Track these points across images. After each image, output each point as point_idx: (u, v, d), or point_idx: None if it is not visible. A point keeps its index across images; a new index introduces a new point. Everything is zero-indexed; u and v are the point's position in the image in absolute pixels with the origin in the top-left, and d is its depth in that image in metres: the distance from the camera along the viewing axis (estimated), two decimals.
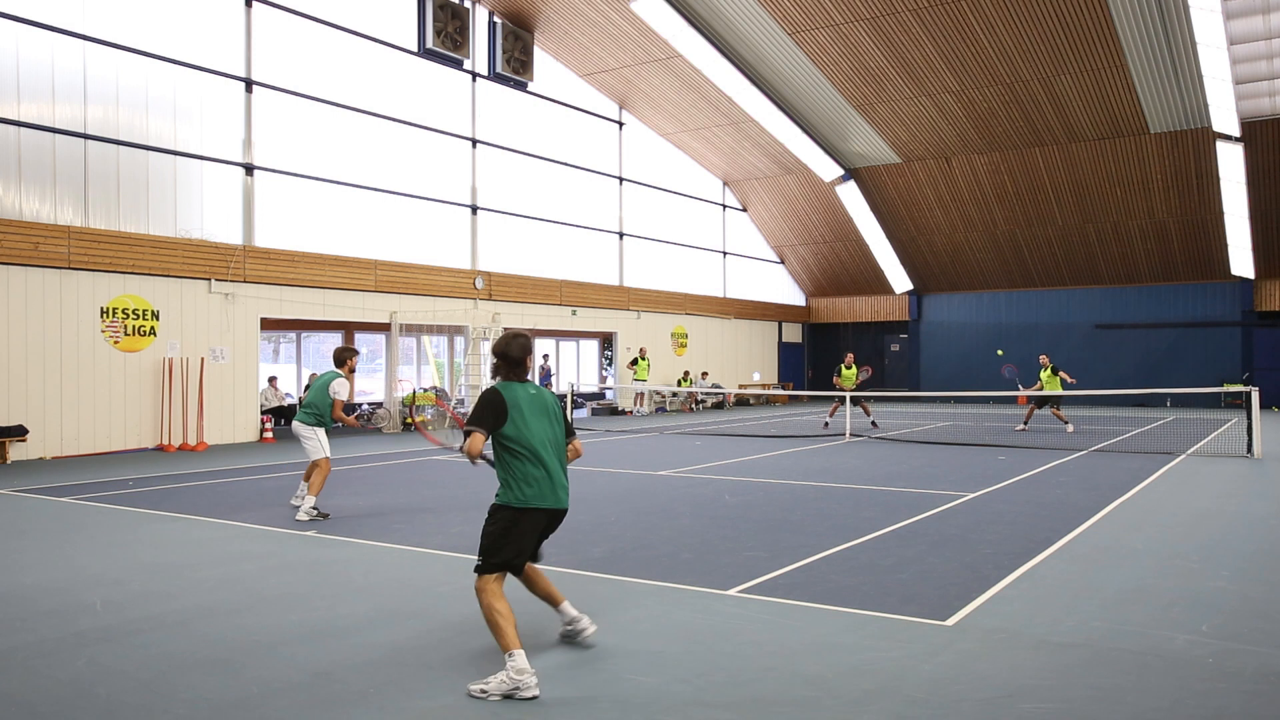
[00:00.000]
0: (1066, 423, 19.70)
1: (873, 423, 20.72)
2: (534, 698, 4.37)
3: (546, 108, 24.70)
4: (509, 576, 4.87)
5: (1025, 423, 19.96)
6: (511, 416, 4.77)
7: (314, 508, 9.08)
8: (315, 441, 9.46)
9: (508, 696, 4.37)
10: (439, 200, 21.83)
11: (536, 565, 5.09)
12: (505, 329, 4.47)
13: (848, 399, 19.51)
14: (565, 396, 22.37)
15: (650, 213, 28.48)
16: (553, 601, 5.16)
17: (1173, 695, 4.34)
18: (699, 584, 6.38)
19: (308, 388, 11.28)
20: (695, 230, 30.44)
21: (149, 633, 5.35)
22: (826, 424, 20.38)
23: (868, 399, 22.04)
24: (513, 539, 4.70)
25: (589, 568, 6.88)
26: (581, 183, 25.94)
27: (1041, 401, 20.25)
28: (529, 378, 5.02)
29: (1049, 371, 19.56)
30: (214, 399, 17.16)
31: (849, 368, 20.87)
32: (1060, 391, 19.37)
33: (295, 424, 9.60)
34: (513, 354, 4.92)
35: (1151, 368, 29.19)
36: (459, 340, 23.07)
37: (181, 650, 5.02)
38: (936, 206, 29.23)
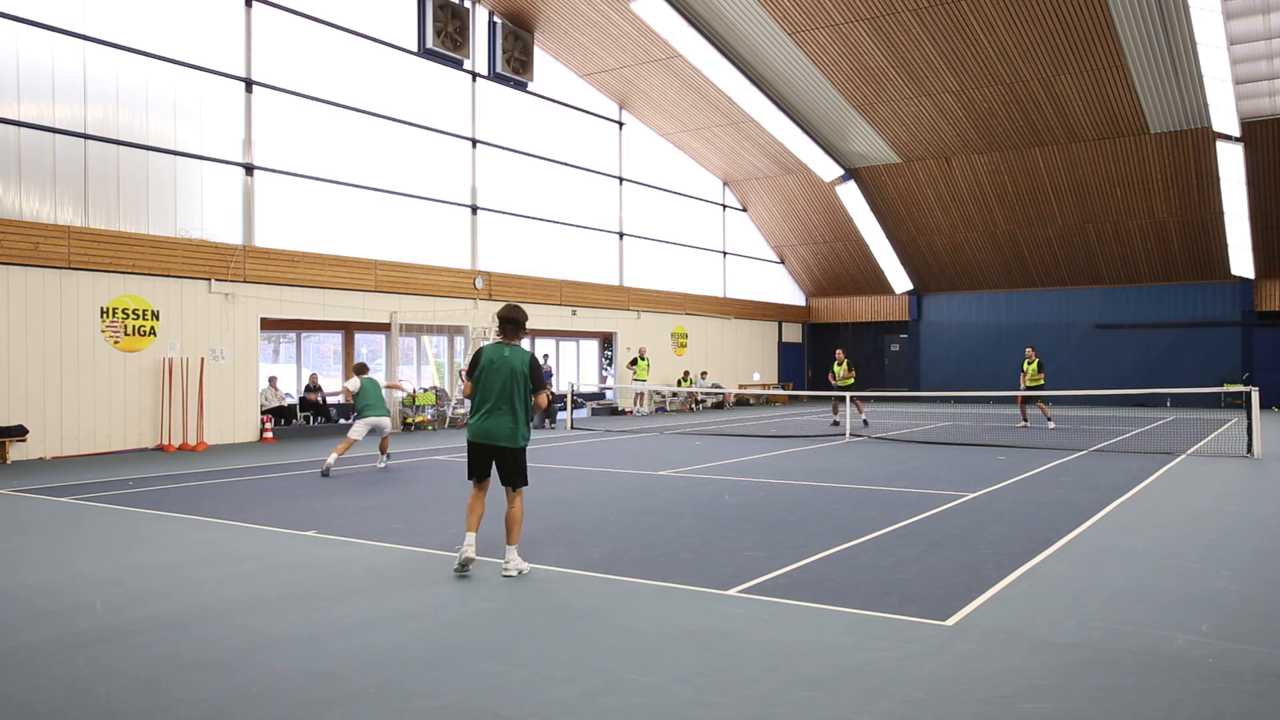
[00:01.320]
0: (1050, 419, 19.88)
1: (864, 421, 21.15)
2: (457, 566, 6.56)
3: (546, 108, 24.70)
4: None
5: (1049, 419, 19.96)
6: (478, 372, 6.72)
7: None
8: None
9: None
10: (439, 200, 21.83)
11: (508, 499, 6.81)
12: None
13: (847, 397, 19.66)
14: (564, 394, 22.42)
15: (650, 213, 28.46)
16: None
17: (1173, 695, 4.34)
18: (699, 584, 6.38)
19: (353, 405, 13.60)
20: (695, 230, 30.42)
21: (149, 633, 5.35)
22: (835, 422, 20.60)
23: (864, 398, 22.29)
24: (469, 461, 6.85)
25: (589, 568, 6.88)
26: (581, 183, 25.94)
27: (1029, 399, 20.29)
28: (516, 341, 6.79)
29: (1035, 366, 19.70)
30: (214, 399, 17.16)
31: (840, 363, 21.18)
32: (1040, 388, 19.56)
33: (384, 420, 13.05)
34: (520, 319, 6.76)
35: (1151, 368, 29.17)
36: (459, 340, 23.06)
37: (181, 650, 5.02)
38: (936, 206, 29.21)
